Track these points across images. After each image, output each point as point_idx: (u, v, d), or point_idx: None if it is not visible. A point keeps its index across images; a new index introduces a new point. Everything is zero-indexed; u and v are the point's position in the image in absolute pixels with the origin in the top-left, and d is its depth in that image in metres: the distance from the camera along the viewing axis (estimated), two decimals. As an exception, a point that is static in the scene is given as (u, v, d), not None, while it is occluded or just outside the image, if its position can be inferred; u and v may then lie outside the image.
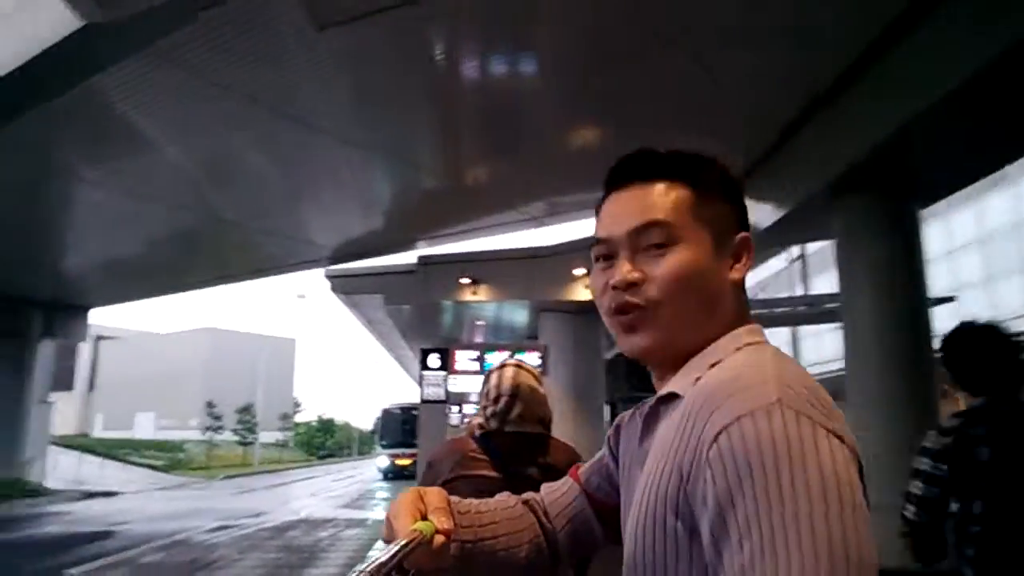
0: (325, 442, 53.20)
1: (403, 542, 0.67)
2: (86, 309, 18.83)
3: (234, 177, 10.31)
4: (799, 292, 12.16)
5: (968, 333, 2.14)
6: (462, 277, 12.92)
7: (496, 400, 2.02)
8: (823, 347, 27.63)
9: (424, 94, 8.00)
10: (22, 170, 9.66)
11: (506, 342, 14.49)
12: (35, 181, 10.12)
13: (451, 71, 7.53)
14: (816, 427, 0.61)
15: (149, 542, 9.88)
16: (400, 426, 26.72)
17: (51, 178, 10.03)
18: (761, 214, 9.86)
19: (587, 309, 12.94)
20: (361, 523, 12.38)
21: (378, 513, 14.46)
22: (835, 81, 7.05)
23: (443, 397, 11.08)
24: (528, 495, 0.99)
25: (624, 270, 0.78)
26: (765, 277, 14.70)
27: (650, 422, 0.80)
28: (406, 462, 24.56)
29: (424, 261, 13.63)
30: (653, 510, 0.69)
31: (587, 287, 12.08)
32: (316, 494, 21.18)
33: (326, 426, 53.78)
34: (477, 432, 2.05)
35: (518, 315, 14.31)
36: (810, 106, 7.68)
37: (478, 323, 14.98)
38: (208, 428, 34.43)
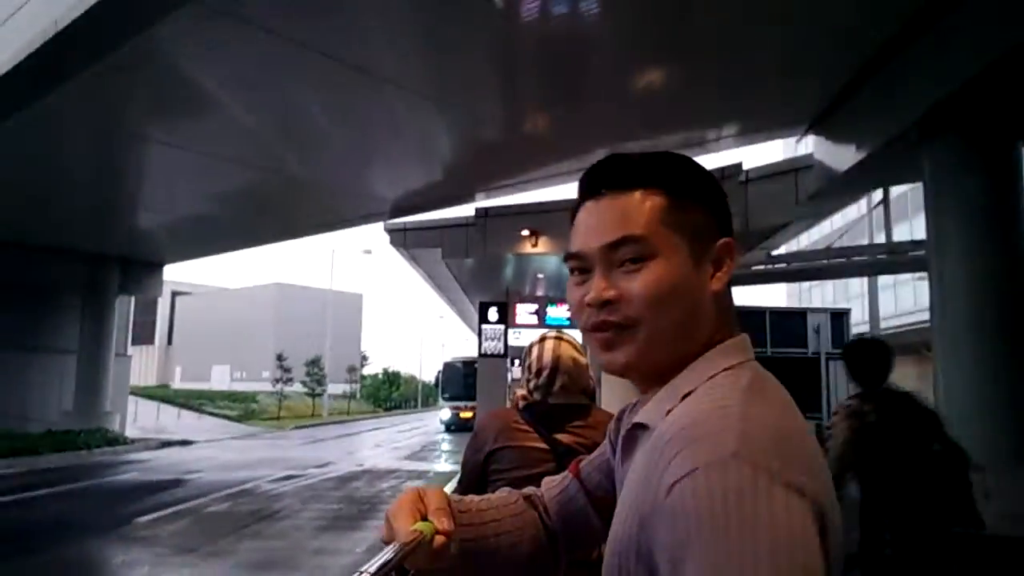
0: (391, 394, 54.42)
1: (403, 542, 0.67)
2: (160, 265, 19.47)
3: (298, 131, 10.31)
4: (880, 241, 11.60)
5: (863, 344, 3.10)
6: (521, 229, 12.70)
7: (539, 373, 2.03)
8: (902, 299, 26.63)
9: (485, 39, 7.73)
10: (97, 130, 9.90)
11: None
12: (109, 141, 10.38)
13: (512, 14, 7.22)
14: (773, 483, 0.58)
15: (217, 491, 10.20)
16: (462, 379, 27.06)
17: (124, 138, 10.27)
18: (840, 156, 9.30)
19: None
20: (422, 475, 12.53)
21: (440, 465, 14.64)
22: (925, 7, 6.45)
23: (502, 351, 10.98)
24: (530, 490, 0.97)
25: (599, 288, 0.75)
26: (842, 224, 14.00)
27: (628, 446, 0.77)
28: (468, 415, 24.88)
29: (482, 213, 13.44)
30: (620, 547, 0.67)
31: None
32: (380, 445, 21.63)
33: (392, 378, 54.92)
34: (521, 403, 2.06)
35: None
36: (895, 39, 7.09)
37: (539, 276, 14.76)
38: (278, 380, 35.49)
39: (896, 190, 20.85)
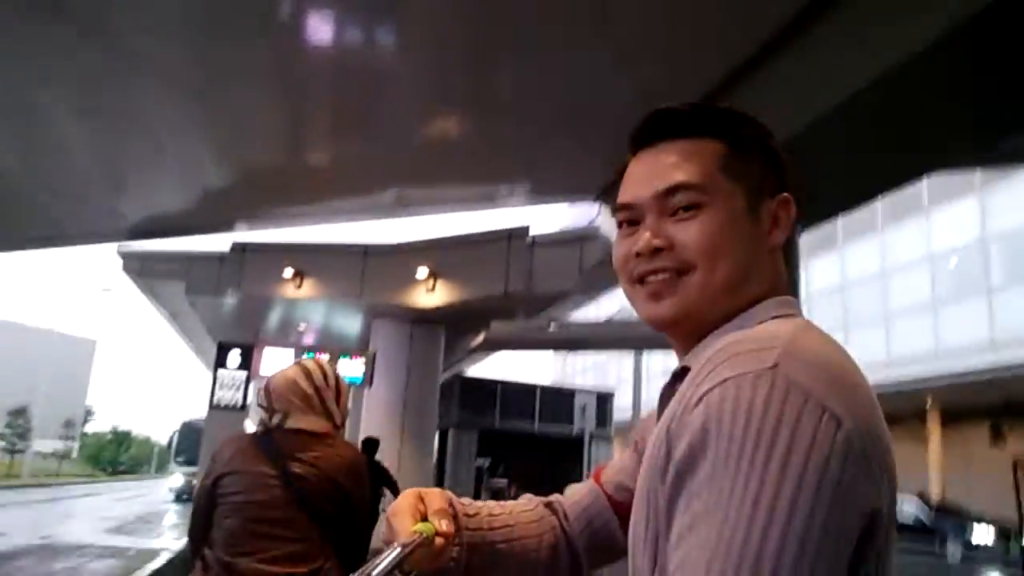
0: (118, 456, 47.57)
1: (403, 543, 0.67)
2: None
3: (12, 112, 8.08)
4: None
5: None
6: (285, 268, 11.14)
7: (276, 398, 2.03)
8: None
9: (266, 53, 6.44)
10: None
11: (326, 343, 12.71)
12: None
13: (298, 32, 6.07)
14: (808, 401, 0.55)
15: None
16: (201, 441, 23.77)
17: None
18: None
19: (427, 318, 11.57)
20: (120, 553, 10.01)
21: (151, 541, 12.04)
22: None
23: (240, 403, 9.21)
24: (553, 497, 0.94)
25: (651, 235, 0.73)
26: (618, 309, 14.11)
27: (664, 401, 0.70)
28: (205, 483, 21.63)
29: (240, 248, 11.69)
30: (646, 482, 0.66)
31: (429, 291, 10.76)
32: (81, 515, 18.03)
33: (121, 438, 48.04)
34: (259, 429, 2.07)
35: (348, 319, 12.64)
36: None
37: (301, 327, 13.13)
38: (-37, 431, 29.14)
39: None
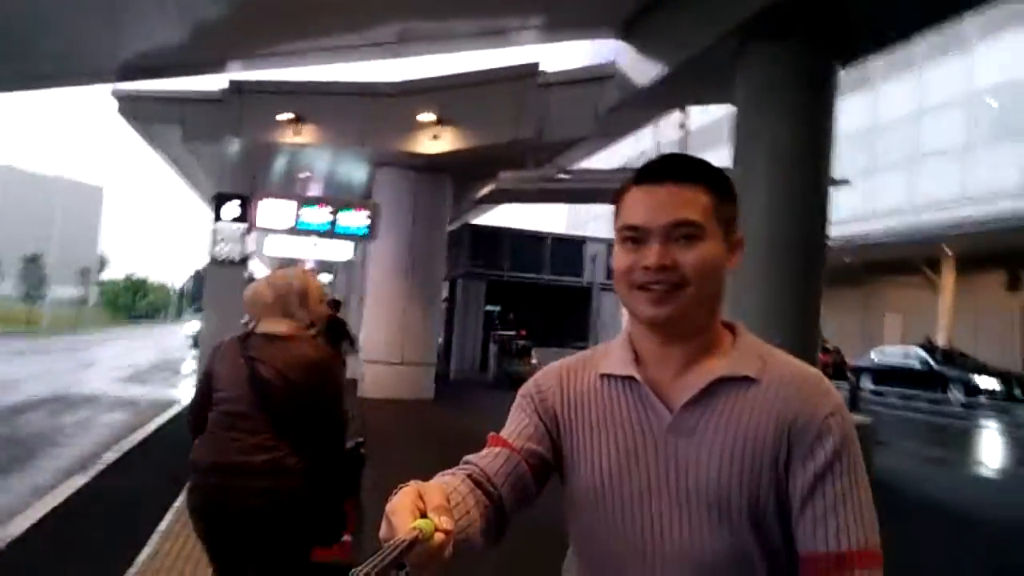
0: (135, 303, 48.39)
1: (402, 540, 0.67)
2: None
3: None
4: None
5: None
6: (283, 112, 10.46)
7: (248, 306, 2.31)
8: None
9: None
10: None
11: (327, 196, 12.23)
12: None
13: None
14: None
15: None
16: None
17: None
18: (646, 67, 8.29)
19: (433, 166, 10.99)
20: (130, 404, 10.11)
21: (164, 390, 12.23)
22: None
23: (239, 256, 8.88)
24: (470, 467, 0.98)
25: (660, 255, 0.94)
26: (635, 155, 13.49)
27: (698, 399, 0.95)
28: (218, 329, 21.97)
29: (237, 88, 10.93)
30: (741, 465, 0.92)
31: (434, 138, 10.12)
32: (98, 363, 18.37)
33: (136, 286, 48.72)
34: (241, 333, 2.30)
35: (350, 168, 12.09)
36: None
37: (301, 175, 12.60)
38: (-22, 278, 29.41)
39: (699, 119, 21.19)
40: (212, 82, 11.73)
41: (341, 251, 16.66)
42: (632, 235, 0.96)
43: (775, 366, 0.95)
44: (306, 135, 10.59)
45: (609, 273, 17.59)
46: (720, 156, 6.11)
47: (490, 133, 9.73)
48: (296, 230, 9.22)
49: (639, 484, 0.95)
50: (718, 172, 0.99)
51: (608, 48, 10.41)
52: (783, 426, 0.91)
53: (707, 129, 17.61)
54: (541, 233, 18.11)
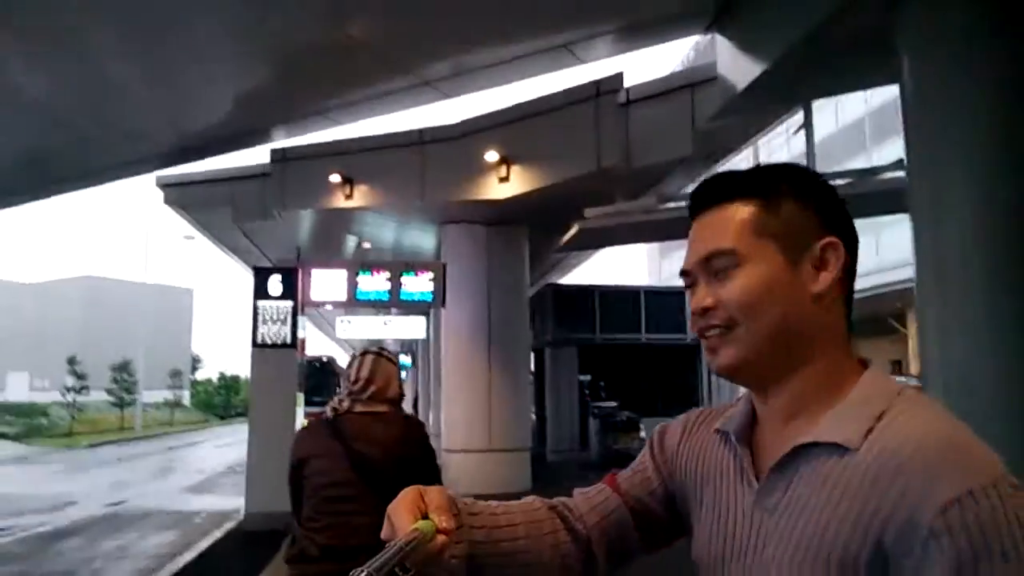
0: (229, 400, 48.79)
1: (403, 541, 0.67)
2: None
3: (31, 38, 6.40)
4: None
5: None
6: (332, 174, 9.24)
7: (355, 382, 2.32)
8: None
9: None
10: None
11: (387, 260, 10.80)
12: None
13: None
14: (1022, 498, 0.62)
15: None
16: (304, 380, 23.30)
17: None
18: (751, 58, 6.60)
19: (505, 217, 9.45)
20: (185, 520, 8.73)
21: (229, 498, 10.86)
22: None
23: (288, 339, 7.46)
24: (559, 500, 0.94)
25: (699, 297, 0.80)
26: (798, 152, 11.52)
27: (785, 468, 0.75)
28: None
29: (280, 156, 9.85)
30: (811, 567, 0.68)
31: (502, 181, 8.60)
32: (174, 468, 17.45)
33: (230, 383, 49.17)
34: (330, 414, 2.32)
35: (412, 230, 10.73)
36: None
37: (360, 244, 11.33)
38: (70, 388, 29.57)
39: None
40: (257, 155, 10.87)
41: (414, 328, 15.31)
42: (687, 281, 0.83)
43: (891, 429, 0.68)
44: (358, 198, 9.30)
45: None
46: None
47: (568, 166, 8.12)
48: (355, 301, 7.78)
49: (724, 552, 0.80)
50: (762, 175, 0.80)
51: (699, 48, 8.81)
52: (871, 520, 0.65)
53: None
54: (633, 288, 16.28)
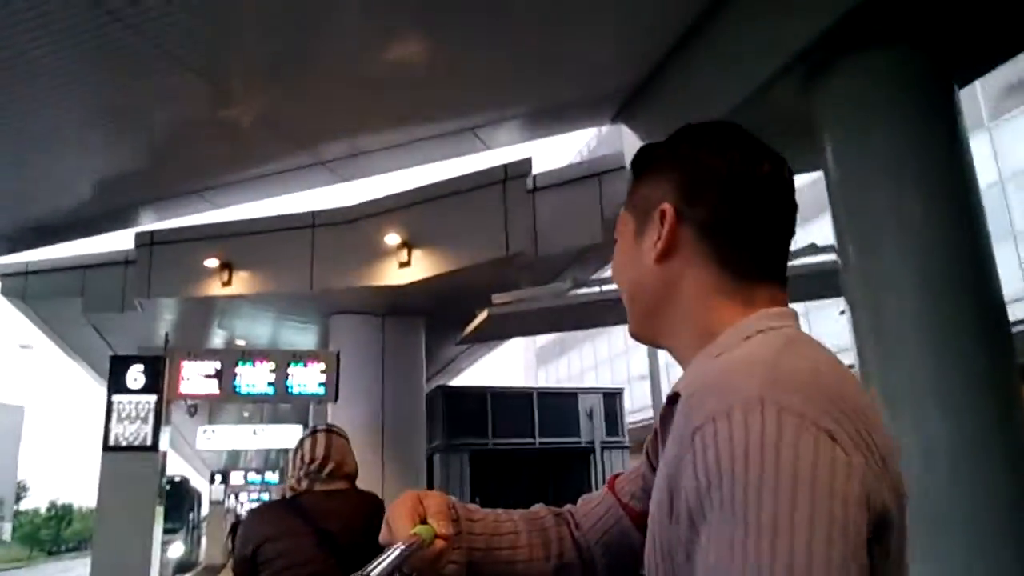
0: (60, 533, 43.04)
1: (402, 545, 0.66)
2: None
3: None
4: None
5: None
6: (208, 258, 8.34)
7: (311, 462, 2.25)
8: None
9: None
10: None
11: (267, 347, 9.70)
12: None
13: None
14: (803, 427, 0.55)
15: None
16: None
17: None
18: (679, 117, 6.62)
19: (401, 307, 8.81)
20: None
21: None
22: None
23: (150, 439, 6.30)
24: (564, 507, 0.93)
25: None
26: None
27: (664, 424, 0.71)
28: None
29: (147, 239, 8.85)
30: (655, 524, 0.66)
31: (402, 266, 8.02)
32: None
33: (61, 513, 43.44)
34: (288, 494, 2.27)
35: (300, 321, 9.81)
36: None
37: (237, 341, 10.23)
38: None
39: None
40: (112, 242, 9.82)
41: (290, 437, 13.95)
42: None
43: (701, 367, 0.68)
44: (237, 285, 8.40)
45: (608, 430, 15.19)
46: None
47: (475, 251, 7.71)
48: (234, 395, 6.76)
49: None
50: (643, 148, 0.83)
51: (602, 136, 8.89)
52: (670, 463, 0.63)
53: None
54: (526, 389, 15.77)
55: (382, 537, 0.73)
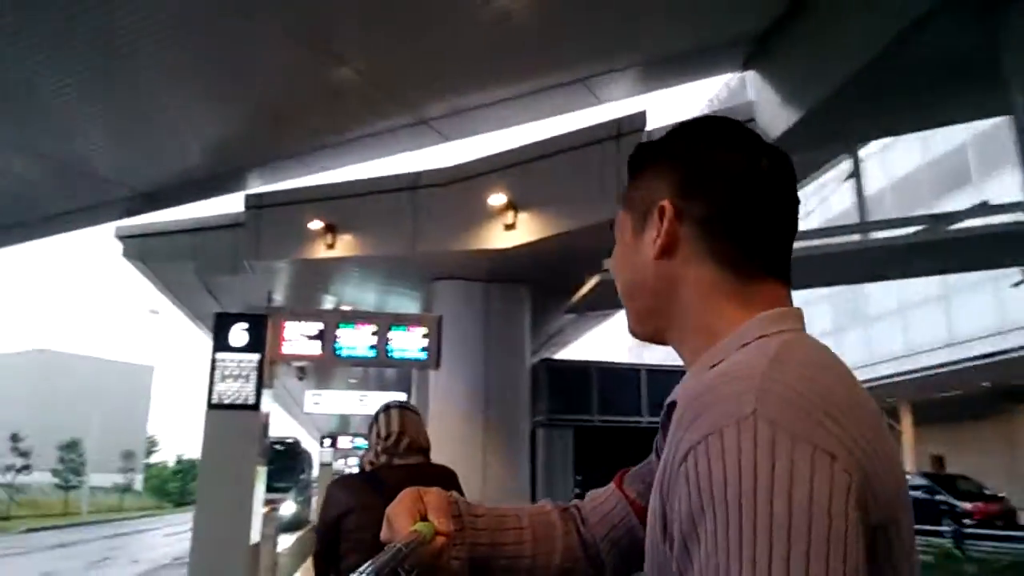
0: (185, 486, 46.04)
1: (402, 543, 0.65)
2: None
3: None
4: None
5: None
6: (312, 221, 8.23)
7: (387, 437, 2.30)
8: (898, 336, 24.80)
9: None
10: None
11: (371, 311, 9.56)
12: None
13: None
14: (796, 445, 0.53)
15: None
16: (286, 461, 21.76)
17: None
18: (796, 96, 5.84)
19: (505, 273, 8.43)
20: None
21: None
22: None
23: (253, 399, 6.23)
24: (573, 504, 0.91)
25: None
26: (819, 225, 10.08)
27: (665, 430, 0.68)
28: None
29: (256, 202, 8.83)
30: (650, 534, 0.66)
31: (508, 228, 7.62)
32: (114, 557, 15.58)
33: (187, 468, 46.44)
34: (368, 468, 2.34)
35: (403, 286, 9.63)
36: None
37: (342, 304, 10.19)
38: (10, 468, 27.23)
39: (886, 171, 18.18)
40: (225, 205, 9.92)
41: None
42: None
43: (697, 378, 0.65)
44: (341, 247, 8.25)
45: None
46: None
47: (584, 213, 7.17)
48: (334, 358, 6.59)
49: None
50: (639, 146, 0.81)
51: (732, 88, 8.12)
52: (661, 476, 0.62)
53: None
54: (634, 365, 15.15)
55: (383, 535, 0.72)
